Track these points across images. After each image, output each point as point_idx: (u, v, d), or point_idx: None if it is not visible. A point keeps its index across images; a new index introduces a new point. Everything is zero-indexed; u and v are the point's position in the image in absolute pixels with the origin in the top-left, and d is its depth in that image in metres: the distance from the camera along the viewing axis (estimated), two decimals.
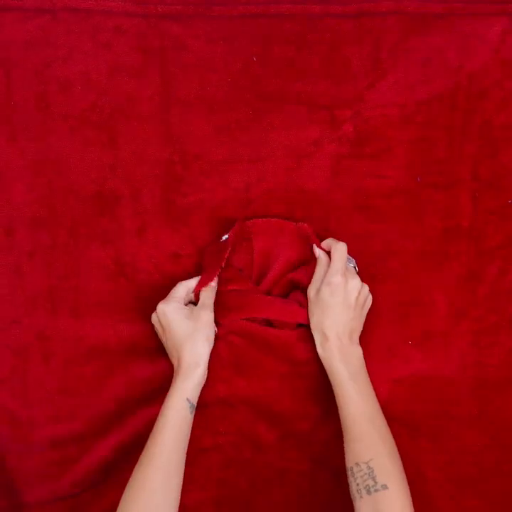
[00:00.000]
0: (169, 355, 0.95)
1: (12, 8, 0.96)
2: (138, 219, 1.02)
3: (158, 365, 1.00)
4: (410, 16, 0.96)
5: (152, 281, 1.01)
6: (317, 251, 0.97)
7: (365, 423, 0.86)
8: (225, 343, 0.98)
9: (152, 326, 0.98)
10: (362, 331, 0.98)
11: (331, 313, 0.93)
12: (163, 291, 0.97)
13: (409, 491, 0.82)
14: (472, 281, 1.00)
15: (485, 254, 1.00)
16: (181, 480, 0.85)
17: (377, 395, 0.94)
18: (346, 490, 0.85)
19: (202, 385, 0.93)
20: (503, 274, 0.99)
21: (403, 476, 0.83)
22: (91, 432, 0.95)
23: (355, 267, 0.97)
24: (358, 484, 0.82)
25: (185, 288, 0.97)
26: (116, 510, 0.82)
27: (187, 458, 0.87)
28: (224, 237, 0.98)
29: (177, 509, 0.83)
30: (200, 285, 0.97)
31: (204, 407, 0.97)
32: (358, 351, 0.94)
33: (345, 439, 0.87)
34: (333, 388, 0.91)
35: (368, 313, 0.99)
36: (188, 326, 0.92)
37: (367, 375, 0.92)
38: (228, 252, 0.97)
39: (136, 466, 0.85)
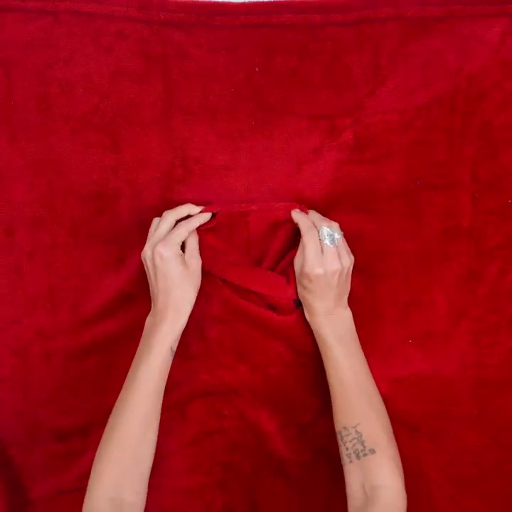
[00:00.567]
0: (153, 297, 0.93)
1: (14, 9, 0.95)
2: (139, 219, 1.02)
3: None
4: (409, 21, 0.96)
5: None
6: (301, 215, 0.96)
7: (353, 386, 0.87)
8: (228, 329, 0.98)
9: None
10: (363, 331, 0.99)
11: (314, 294, 0.93)
12: None
13: (398, 454, 0.83)
14: (472, 281, 1.01)
15: (485, 254, 1.00)
16: (158, 427, 0.86)
17: None
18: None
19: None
20: (503, 274, 1.00)
21: (391, 439, 0.85)
22: (95, 425, 0.95)
23: (334, 239, 0.94)
24: (347, 449, 0.84)
25: (174, 221, 0.95)
26: None
27: (191, 440, 0.90)
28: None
29: (152, 458, 0.84)
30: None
31: (208, 391, 0.98)
32: (346, 313, 0.94)
33: (333, 402, 0.88)
34: (321, 352, 0.92)
35: (368, 314, 1.01)
36: (182, 274, 0.91)
37: (355, 338, 0.92)
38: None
39: (115, 412, 0.85)
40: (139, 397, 0.85)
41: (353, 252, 0.98)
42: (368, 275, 1.02)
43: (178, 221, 0.97)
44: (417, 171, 1.00)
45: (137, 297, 0.99)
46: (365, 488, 0.81)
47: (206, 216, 0.96)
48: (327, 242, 0.92)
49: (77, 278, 1.01)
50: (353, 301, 1.02)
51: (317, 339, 0.93)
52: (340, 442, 0.85)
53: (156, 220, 0.95)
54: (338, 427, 0.86)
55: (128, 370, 0.91)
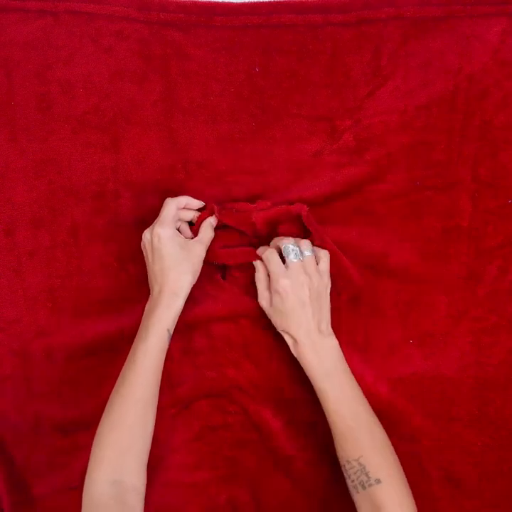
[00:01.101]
0: (150, 280, 0.93)
1: (14, 9, 0.95)
2: (138, 220, 1.01)
3: None
4: (410, 21, 0.96)
5: None
6: (254, 263, 0.97)
7: (349, 418, 0.85)
8: (233, 326, 0.99)
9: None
10: (363, 331, 1.00)
11: (290, 318, 0.91)
12: None
13: (405, 480, 0.82)
14: (472, 281, 1.01)
15: (485, 254, 1.00)
16: (156, 409, 0.86)
17: (377, 394, 0.96)
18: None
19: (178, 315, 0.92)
20: (503, 273, 1.00)
21: (397, 466, 0.83)
22: (99, 420, 0.92)
23: (299, 254, 0.92)
24: (352, 480, 0.83)
25: (176, 208, 0.95)
26: None
27: (196, 436, 0.92)
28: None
29: (151, 440, 0.84)
30: (200, 218, 0.97)
31: (213, 387, 0.98)
32: (331, 342, 0.92)
33: (333, 436, 0.87)
34: (313, 386, 0.90)
35: (368, 314, 1.00)
36: (179, 255, 0.91)
37: (345, 367, 0.90)
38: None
39: (113, 395, 0.85)
40: (137, 378, 0.85)
41: (352, 251, 0.99)
42: (368, 276, 1.01)
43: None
44: (416, 171, 0.99)
45: (138, 298, 0.99)
46: None
47: (197, 202, 0.97)
48: (291, 257, 0.91)
49: (77, 278, 1.01)
50: (353, 301, 1.02)
51: (307, 373, 0.91)
52: (345, 475, 0.84)
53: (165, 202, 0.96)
54: (341, 461, 0.85)
55: None
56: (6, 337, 1.00)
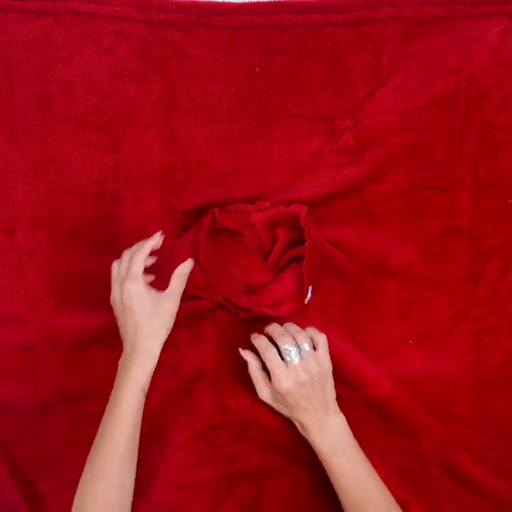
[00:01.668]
0: (122, 335, 0.90)
1: (14, 9, 0.95)
2: (138, 221, 1.01)
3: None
4: (410, 21, 0.95)
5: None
6: (243, 353, 0.93)
7: (359, 495, 0.84)
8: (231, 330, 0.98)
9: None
10: (362, 331, 0.99)
11: (296, 410, 0.90)
12: (161, 287, 0.92)
13: None
14: (472, 281, 1.00)
15: (485, 254, 1.00)
16: (135, 467, 0.84)
17: (377, 394, 0.95)
18: None
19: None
20: (503, 273, 0.99)
21: None
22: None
23: (297, 353, 0.90)
24: None
25: (143, 261, 0.89)
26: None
27: (196, 435, 0.91)
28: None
29: (131, 496, 0.83)
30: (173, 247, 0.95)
31: (215, 386, 0.97)
32: (337, 421, 0.90)
33: (343, 507, 0.87)
34: (322, 463, 0.89)
35: (368, 314, 0.99)
36: (151, 312, 0.87)
37: (353, 443, 0.89)
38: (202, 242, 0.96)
39: (91, 457, 0.83)
40: (113, 443, 0.83)
41: (353, 252, 0.99)
42: (368, 276, 1.01)
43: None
44: (416, 171, 0.99)
45: None
46: None
47: (155, 238, 0.91)
48: (291, 357, 0.89)
49: (78, 278, 1.01)
50: (352, 302, 1.02)
51: (315, 450, 0.90)
52: None
53: (115, 263, 0.92)
54: None
55: None
56: (8, 333, 0.99)
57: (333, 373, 0.91)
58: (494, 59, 0.96)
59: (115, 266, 0.90)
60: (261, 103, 0.96)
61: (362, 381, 0.97)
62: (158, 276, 0.93)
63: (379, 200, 1.00)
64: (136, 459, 0.84)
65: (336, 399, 0.90)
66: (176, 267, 0.91)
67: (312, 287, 0.99)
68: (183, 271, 0.91)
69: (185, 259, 0.92)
